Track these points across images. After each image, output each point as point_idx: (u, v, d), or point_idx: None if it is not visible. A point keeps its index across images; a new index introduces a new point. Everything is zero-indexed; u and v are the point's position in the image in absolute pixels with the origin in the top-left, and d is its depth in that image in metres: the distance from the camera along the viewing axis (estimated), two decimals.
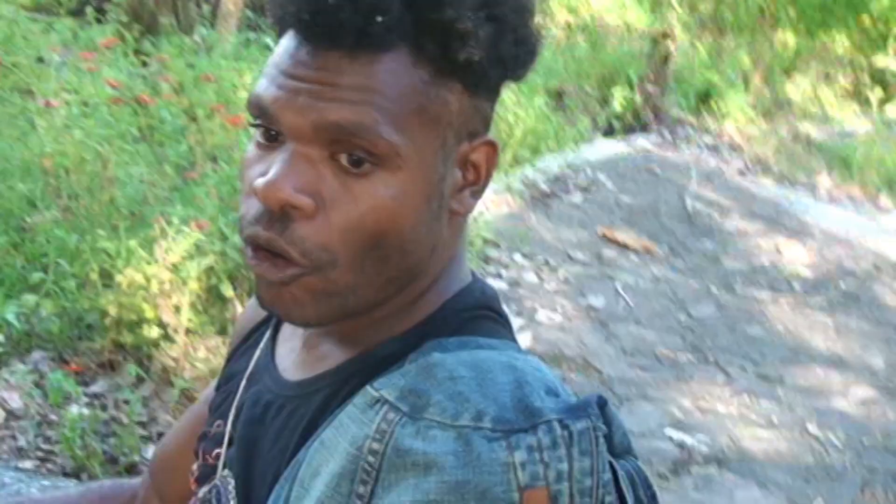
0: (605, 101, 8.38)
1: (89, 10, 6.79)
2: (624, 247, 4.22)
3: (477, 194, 0.86)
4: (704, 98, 8.49)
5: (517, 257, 3.92)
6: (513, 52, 0.82)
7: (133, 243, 3.02)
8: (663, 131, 7.12)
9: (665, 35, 8.00)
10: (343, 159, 0.80)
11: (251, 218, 0.82)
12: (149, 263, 2.97)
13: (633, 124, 7.30)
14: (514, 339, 0.90)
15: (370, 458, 0.75)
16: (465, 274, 0.91)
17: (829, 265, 4.59)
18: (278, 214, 0.80)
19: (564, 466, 0.71)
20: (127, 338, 2.96)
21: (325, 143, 0.80)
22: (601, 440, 0.72)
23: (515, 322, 3.29)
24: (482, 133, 0.86)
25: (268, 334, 1.03)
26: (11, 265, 3.28)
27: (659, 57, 7.49)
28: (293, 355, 0.94)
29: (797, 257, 4.63)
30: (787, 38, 11.44)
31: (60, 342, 2.98)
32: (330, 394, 0.86)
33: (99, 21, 6.43)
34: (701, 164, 6.16)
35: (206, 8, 7.30)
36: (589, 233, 4.37)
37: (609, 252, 4.18)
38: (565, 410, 0.73)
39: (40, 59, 5.46)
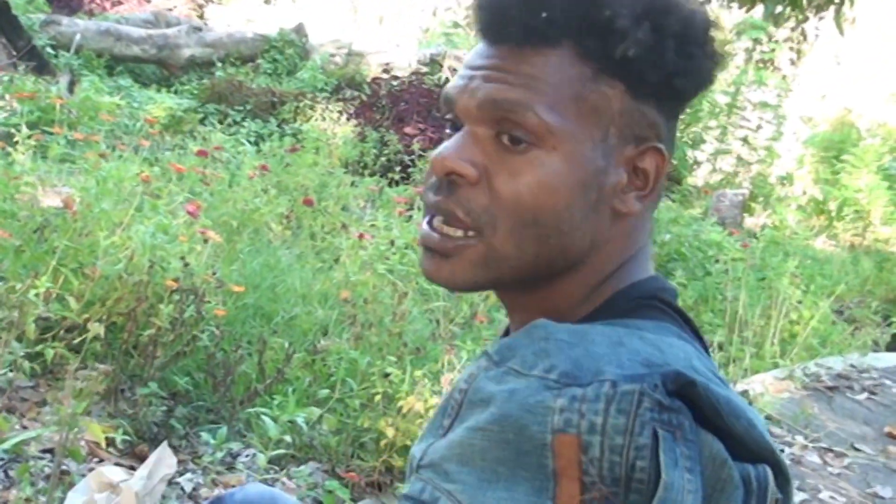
0: (888, 321, 8.14)
1: (393, 172, 7.33)
2: None
3: (644, 199, 0.93)
4: None
5: (799, 438, 3.83)
6: (675, 60, 0.89)
7: (419, 373, 3.13)
8: None
9: None
10: (505, 139, 0.90)
11: (428, 189, 0.94)
12: (432, 395, 3.05)
13: None
14: (677, 327, 0.93)
15: (457, 396, 0.82)
16: (644, 273, 0.97)
17: None
18: (447, 182, 0.91)
19: (599, 420, 0.73)
20: (398, 461, 3.04)
21: (490, 122, 0.90)
22: (644, 404, 0.74)
23: (798, 496, 3.20)
24: (652, 141, 0.92)
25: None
26: (301, 380, 3.47)
27: None
28: None
29: None
30: None
31: (335, 456, 3.09)
32: None
33: (403, 181, 6.94)
34: None
35: None
36: (874, 430, 4.21)
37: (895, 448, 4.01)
38: (627, 375, 0.75)
39: (345, 208, 5.94)
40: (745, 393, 3.78)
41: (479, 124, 0.91)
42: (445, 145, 0.92)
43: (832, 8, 17.16)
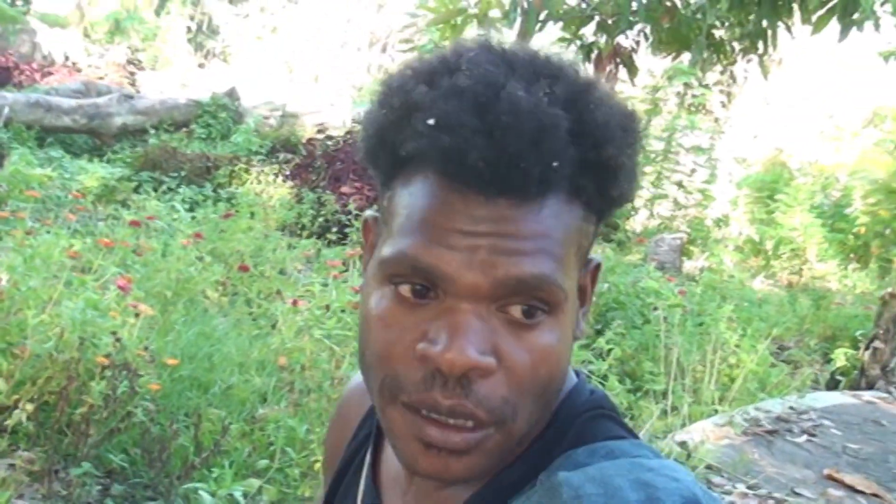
0: (826, 359, 8.24)
1: (330, 233, 7.34)
2: (851, 489, 4.06)
3: (586, 316, 0.88)
4: None
5: (740, 486, 3.84)
6: (627, 176, 0.81)
7: None
8: (891, 389, 6.86)
9: (894, 295, 7.82)
10: (516, 311, 0.78)
11: (417, 383, 0.78)
12: None
13: (857, 381, 7.09)
14: (636, 437, 0.87)
15: None
16: (569, 376, 0.90)
17: None
18: (457, 378, 0.77)
19: None
20: None
21: (499, 298, 0.77)
22: None
23: None
24: (589, 256, 0.86)
25: (365, 472, 0.99)
26: (240, 451, 3.43)
27: (889, 316, 7.29)
28: (406, 497, 0.93)
29: None
30: None
31: None
32: None
33: (339, 242, 6.95)
34: None
35: None
36: (814, 472, 4.24)
37: (836, 492, 4.02)
38: None
39: (282, 272, 5.93)
40: (684, 444, 3.79)
41: (484, 302, 0.78)
42: (455, 337, 0.77)
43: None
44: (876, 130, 17.50)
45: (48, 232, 4.65)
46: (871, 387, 6.83)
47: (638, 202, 14.39)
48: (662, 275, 7.78)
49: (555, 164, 0.76)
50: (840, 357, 7.64)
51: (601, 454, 0.81)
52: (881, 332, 7.13)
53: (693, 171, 15.20)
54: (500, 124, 0.74)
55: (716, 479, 3.85)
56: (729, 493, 3.72)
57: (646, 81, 17.63)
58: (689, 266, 11.94)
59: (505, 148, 0.74)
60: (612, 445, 0.82)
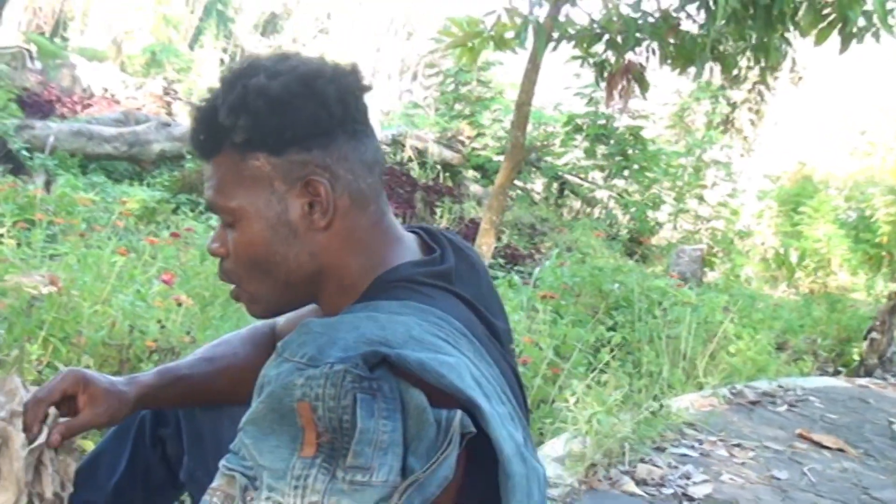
0: (838, 356, 8.52)
1: None
2: (819, 444, 4.42)
3: (329, 213, 1.32)
4: None
5: (712, 437, 4.22)
6: (277, 122, 1.30)
7: None
8: (887, 376, 7.17)
9: None
10: (227, 222, 1.36)
11: None
12: None
13: (856, 370, 7.40)
14: (427, 299, 1.28)
15: (258, 380, 1.15)
16: (392, 260, 1.36)
17: None
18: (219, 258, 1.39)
19: (320, 391, 1.06)
20: None
21: (218, 215, 1.36)
22: (347, 378, 1.06)
23: (699, 477, 3.61)
24: (312, 175, 1.31)
25: None
26: None
27: (888, 307, 7.60)
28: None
29: None
30: None
31: None
32: None
33: None
34: None
35: None
36: (787, 433, 4.59)
37: (803, 446, 4.38)
38: (342, 358, 1.08)
39: None
40: (667, 406, 4.17)
41: (218, 216, 1.37)
42: (209, 237, 1.46)
43: (784, 65, 17.82)
44: None
45: (98, 238, 5.12)
46: (868, 375, 7.15)
47: (661, 217, 14.71)
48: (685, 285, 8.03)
49: (202, 137, 1.34)
50: (853, 353, 7.96)
51: (368, 309, 1.23)
52: (878, 323, 7.46)
53: (714, 184, 15.46)
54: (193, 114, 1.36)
55: (689, 432, 4.23)
56: (701, 442, 4.10)
57: (673, 100, 18.03)
58: (711, 277, 12.16)
59: (200, 122, 1.34)
60: (381, 303, 1.25)
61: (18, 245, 5.04)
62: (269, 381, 1.11)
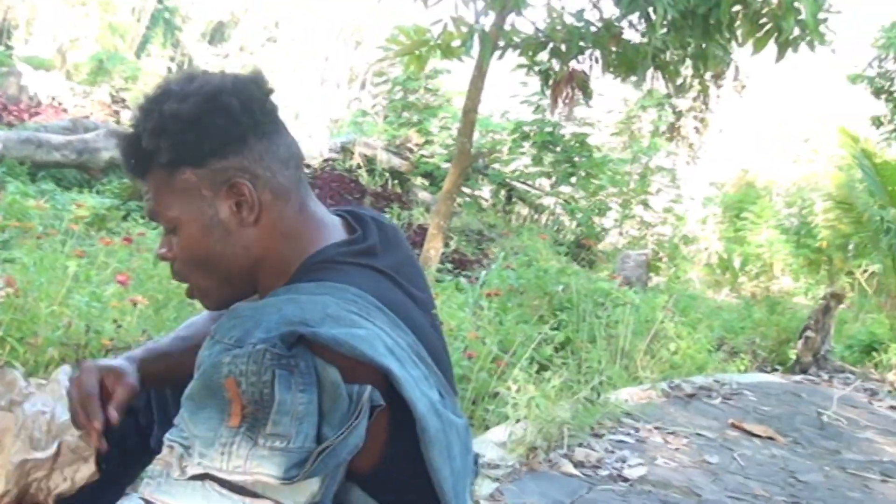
0: (776, 356, 8.77)
1: None
2: (749, 433, 4.63)
3: (255, 210, 1.49)
4: (868, 350, 8.70)
5: (648, 426, 4.42)
6: (190, 140, 1.46)
7: None
8: (821, 374, 7.42)
9: (835, 295, 8.32)
10: (168, 229, 1.53)
11: None
12: None
13: (792, 368, 7.65)
14: (345, 277, 1.43)
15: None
16: (318, 243, 1.51)
17: None
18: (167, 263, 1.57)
19: (244, 368, 1.22)
20: None
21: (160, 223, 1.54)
22: (267, 356, 1.21)
23: (634, 461, 3.79)
24: (234, 178, 1.47)
25: None
26: None
27: (822, 307, 7.85)
28: None
29: None
30: None
31: None
32: None
33: None
34: (851, 397, 6.34)
35: None
36: (720, 423, 4.80)
37: (735, 434, 4.59)
38: (263, 339, 1.23)
39: None
40: (605, 397, 4.36)
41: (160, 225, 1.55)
42: (158, 244, 1.58)
43: (728, 74, 18.13)
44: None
45: (53, 240, 5.21)
46: (804, 372, 7.40)
47: (607, 223, 14.94)
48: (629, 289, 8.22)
49: (132, 161, 1.52)
50: (791, 353, 8.20)
51: (290, 292, 1.38)
52: (812, 322, 7.72)
53: (659, 190, 15.70)
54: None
55: (627, 421, 4.42)
56: (637, 430, 4.30)
57: (620, 108, 18.27)
58: (656, 282, 12.37)
59: (127, 148, 1.52)
60: (301, 285, 1.41)
61: None
62: (203, 360, 1.27)
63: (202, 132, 1.45)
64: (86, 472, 1.50)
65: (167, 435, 1.28)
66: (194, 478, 1.24)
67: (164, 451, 1.28)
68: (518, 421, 3.66)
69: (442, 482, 1.37)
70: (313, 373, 1.24)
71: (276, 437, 1.21)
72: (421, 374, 1.38)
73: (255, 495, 1.23)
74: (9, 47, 21.83)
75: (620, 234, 15.16)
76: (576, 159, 14.27)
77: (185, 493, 1.24)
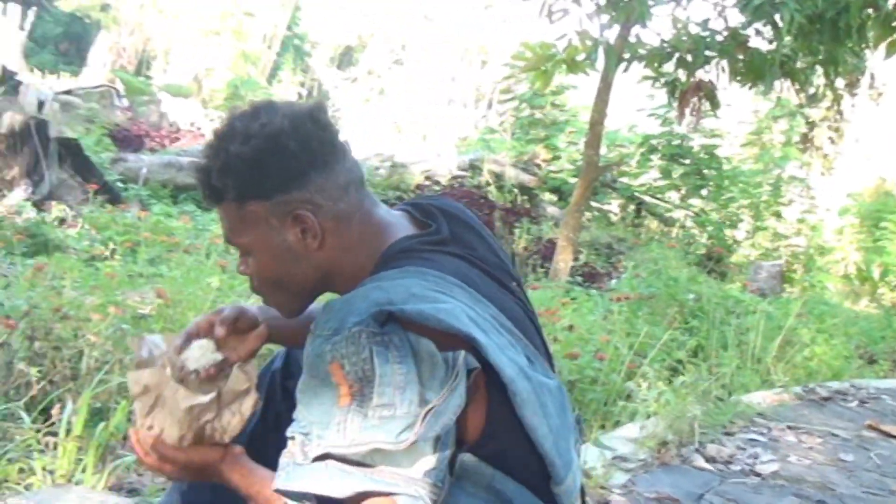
0: None
1: None
2: (888, 435, 4.55)
3: (320, 233, 1.61)
4: None
5: (781, 425, 4.39)
6: (257, 178, 1.58)
7: None
8: None
9: None
10: (243, 252, 1.67)
11: None
12: None
13: None
14: (424, 262, 1.56)
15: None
16: (388, 241, 1.64)
17: None
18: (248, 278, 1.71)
19: (343, 351, 1.36)
20: None
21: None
22: (363, 336, 1.35)
23: (766, 457, 3.79)
24: (298, 210, 1.59)
25: None
26: None
27: None
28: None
29: None
30: None
31: None
32: None
33: None
34: None
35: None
36: (856, 424, 4.73)
37: (871, 435, 4.52)
38: (357, 322, 1.36)
39: None
40: (736, 399, 4.36)
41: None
42: (238, 262, 1.72)
43: (863, 82, 17.68)
44: None
45: (197, 254, 5.48)
46: None
47: (739, 235, 14.72)
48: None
49: (206, 192, 1.64)
50: None
51: (374, 281, 1.51)
52: None
53: (791, 201, 15.43)
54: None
55: (759, 420, 4.41)
56: (770, 429, 4.28)
57: (751, 120, 18.02)
58: (790, 293, 12.14)
59: (201, 181, 1.63)
60: (384, 273, 1.54)
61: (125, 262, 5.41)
62: (307, 354, 1.42)
63: (264, 172, 1.58)
64: (250, 402, 1.63)
65: (287, 430, 1.45)
66: (317, 459, 1.39)
67: (288, 444, 1.44)
68: (649, 417, 3.71)
69: (541, 439, 1.48)
70: (407, 345, 1.37)
71: (384, 407, 1.35)
72: (506, 342, 1.52)
73: (373, 466, 1.36)
74: (148, 77, 22.72)
75: (753, 245, 14.92)
76: (705, 171, 14.12)
77: (312, 474, 1.39)
